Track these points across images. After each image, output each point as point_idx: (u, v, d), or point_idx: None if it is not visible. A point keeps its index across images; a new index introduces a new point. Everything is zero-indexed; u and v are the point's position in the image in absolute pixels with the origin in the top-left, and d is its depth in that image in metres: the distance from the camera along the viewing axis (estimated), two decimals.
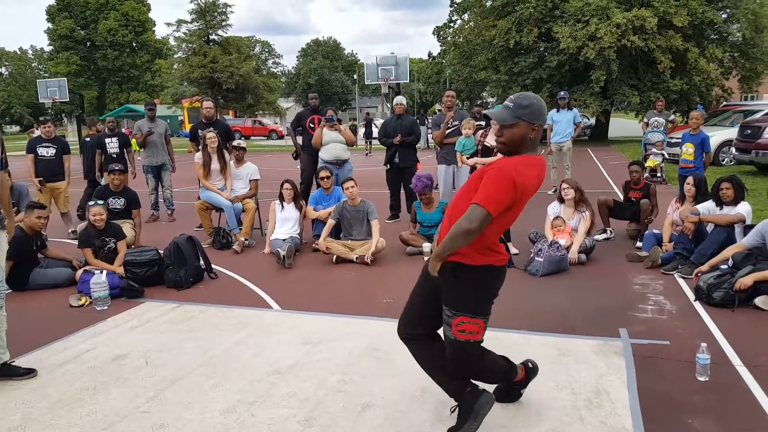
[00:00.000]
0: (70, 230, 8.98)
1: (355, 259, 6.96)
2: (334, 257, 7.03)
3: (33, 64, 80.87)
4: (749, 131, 13.79)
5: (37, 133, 9.52)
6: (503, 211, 2.82)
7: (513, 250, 6.95)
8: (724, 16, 25.85)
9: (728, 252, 5.62)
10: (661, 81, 24.83)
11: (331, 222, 7.33)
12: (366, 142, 27.45)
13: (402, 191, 9.50)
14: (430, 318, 3.15)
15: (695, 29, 24.83)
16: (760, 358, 4.02)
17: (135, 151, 11.05)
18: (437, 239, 3.12)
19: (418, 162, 9.28)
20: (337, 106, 73.01)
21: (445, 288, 2.99)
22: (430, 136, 17.60)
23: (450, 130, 8.26)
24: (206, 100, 9.65)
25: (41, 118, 9.61)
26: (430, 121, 21.22)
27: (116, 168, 7.97)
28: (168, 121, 11.66)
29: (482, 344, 3.07)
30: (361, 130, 28.50)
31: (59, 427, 3.35)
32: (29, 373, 4.11)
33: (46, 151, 8.83)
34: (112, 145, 9.83)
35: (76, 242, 6.88)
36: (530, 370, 3.43)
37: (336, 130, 8.70)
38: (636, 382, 3.68)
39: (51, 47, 66.82)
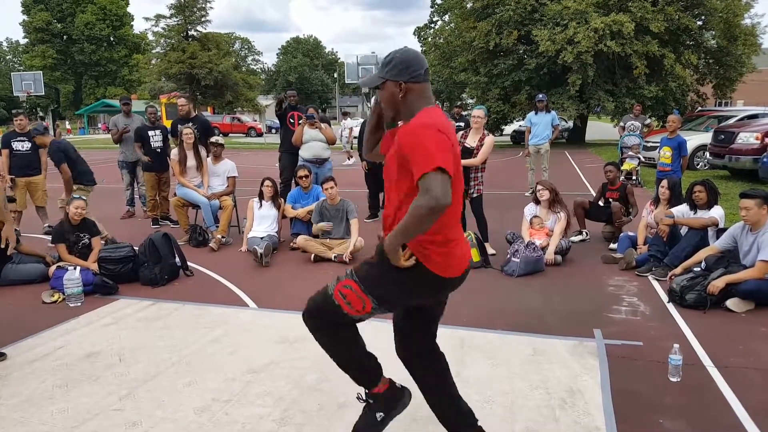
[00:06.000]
0: (45, 225, 8.84)
1: (333, 258, 6.94)
2: (312, 256, 7.01)
3: (8, 57, 79.85)
4: (723, 136, 13.99)
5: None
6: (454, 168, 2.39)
7: (490, 251, 6.99)
8: (699, 23, 26.16)
9: (701, 255, 5.71)
10: (636, 87, 25.04)
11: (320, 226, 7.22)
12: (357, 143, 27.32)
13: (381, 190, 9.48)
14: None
15: (671, 35, 25.09)
16: (730, 360, 4.08)
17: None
18: (383, 233, 2.65)
19: None
20: (317, 104, 72.89)
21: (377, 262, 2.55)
22: None
23: None
24: (180, 97, 9.50)
25: (13, 111, 9.41)
26: None
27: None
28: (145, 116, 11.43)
29: (353, 324, 2.70)
30: (338, 127, 28.22)
31: (30, 424, 3.30)
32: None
33: (22, 145, 8.66)
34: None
35: (50, 237, 6.78)
36: (397, 390, 2.84)
37: (317, 128, 8.65)
38: (609, 383, 3.72)
39: (26, 40, 66.06)
